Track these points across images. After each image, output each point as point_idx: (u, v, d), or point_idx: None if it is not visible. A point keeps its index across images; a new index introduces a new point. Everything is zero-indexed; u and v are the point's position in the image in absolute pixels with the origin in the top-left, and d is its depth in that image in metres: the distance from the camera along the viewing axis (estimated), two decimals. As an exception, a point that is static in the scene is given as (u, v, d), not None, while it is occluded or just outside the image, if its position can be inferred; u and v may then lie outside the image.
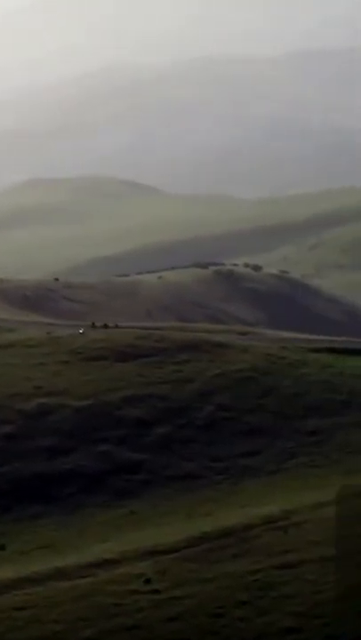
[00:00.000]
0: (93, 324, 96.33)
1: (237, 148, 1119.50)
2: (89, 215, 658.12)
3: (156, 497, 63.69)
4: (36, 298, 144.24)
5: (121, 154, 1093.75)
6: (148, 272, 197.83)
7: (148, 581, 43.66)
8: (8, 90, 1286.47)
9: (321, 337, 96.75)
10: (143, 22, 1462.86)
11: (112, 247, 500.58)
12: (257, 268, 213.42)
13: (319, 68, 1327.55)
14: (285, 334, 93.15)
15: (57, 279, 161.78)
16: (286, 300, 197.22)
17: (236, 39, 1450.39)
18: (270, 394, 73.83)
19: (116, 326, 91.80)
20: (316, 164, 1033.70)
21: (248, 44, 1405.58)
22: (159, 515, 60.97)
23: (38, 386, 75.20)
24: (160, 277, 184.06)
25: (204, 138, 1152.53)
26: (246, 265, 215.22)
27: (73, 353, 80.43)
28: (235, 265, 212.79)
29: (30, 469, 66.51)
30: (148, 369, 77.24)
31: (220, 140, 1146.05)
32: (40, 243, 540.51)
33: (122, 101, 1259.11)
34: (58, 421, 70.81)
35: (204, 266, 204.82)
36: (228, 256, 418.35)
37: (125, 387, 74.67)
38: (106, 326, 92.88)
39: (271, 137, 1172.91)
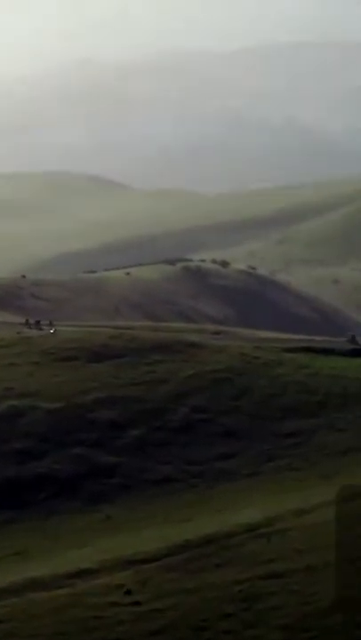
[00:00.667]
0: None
1: (197, 144, 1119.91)
2: (54, 210, 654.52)
3: (132, 501, 62.41)
4: (3, 295, 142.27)
5: (81, 149, 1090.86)
6: (116, 268, 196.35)
7: (128, 592, 42.30)
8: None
9: (295, 336, 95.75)
10: (102, 18, 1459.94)
11: (78, 243, 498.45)
12: (225, 264, 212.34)
13: (277, 62, 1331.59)
14: (260, 333, 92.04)
15: (24, 276, 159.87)
16: (255, 297, 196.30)
17: (194, 34, 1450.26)
18: (246, 395, 72.73)
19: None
20: (276, 160, 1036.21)
21: (206, 38, 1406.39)
22: (136, 520, 59.69)
23: (9, 387, 73.66)
24: (128, 274, 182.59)
25: (163, 133, 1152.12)
26: (214, 261, 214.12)
27: (45, 353, 78.93)
28: (202, 261, 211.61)
29: (2, 474, 65.04)
30: (121, 370, 75.92)
31: (179, 135, 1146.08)
32: (4, 238, 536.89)
33: (82, 97, 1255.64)
34: (30, 424, 69.35)
35: (172, 262, 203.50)
36: (195, 251, 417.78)
37: (98, 388, 73.29)
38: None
39: (230, 132, 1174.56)
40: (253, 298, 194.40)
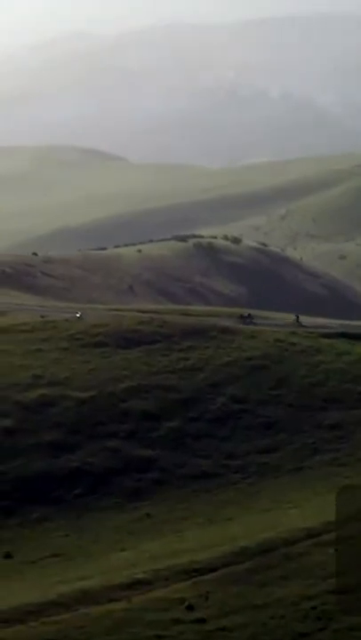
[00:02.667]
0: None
1: (190, 117, 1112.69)
2: (51, 184, 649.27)
3: (170, 498, 59.41)
4: (14, 273, 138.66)
5: (73, 122, 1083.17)
6: (126, 245, 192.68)
7: (190, 608, 39.23)
8: None
9: (328, 320, 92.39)
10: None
11: (76, 217, 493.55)
12: (236, 240, 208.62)
13: (271, 35, 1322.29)
14: (290, 318, 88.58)
15: (35, 254, 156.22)
16: (267, 274, 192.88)
17: (190, 7, 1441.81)
18: (285, 384, 69.67)
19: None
20: (271, 133, 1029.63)
21: (201, 11, 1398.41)
22: (176, 519, 56.73)
23: (38, 375, 70.50)
24: (139, 251, 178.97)
25: (157, 105, 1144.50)
26: (225, 237, 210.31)
27: (72, 339, 75.72)
28: (214, 237, 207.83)
29: (33, 467, 61.92)
30: (152, 357, 72.77)
31: (172, 108, 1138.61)
32: (6, 212, 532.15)
33: (75, 70, 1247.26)
34: (60, 414, 66.26)
35: (184, 239, 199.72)
36: (199, 226, 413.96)
37: (130, 376, 70.18)
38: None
39: (223, 105, 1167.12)
40: (265, 275, 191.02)
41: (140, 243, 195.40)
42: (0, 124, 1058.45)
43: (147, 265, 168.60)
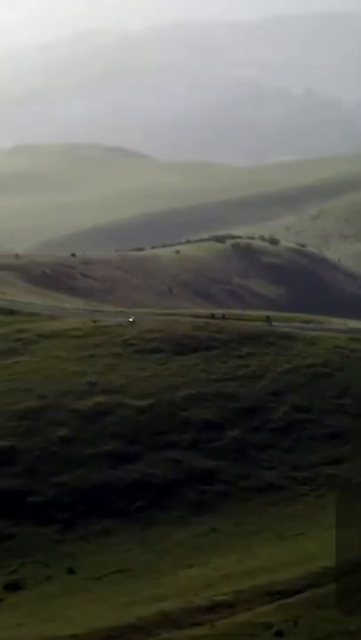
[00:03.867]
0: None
1: (213, 114, 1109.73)
2: (75, 182, 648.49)
3: (236, 512, 57.39)
4: (53, 275, 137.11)
5: (93, 120, 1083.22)
6: (163, 246, 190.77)
7: (279, 634, 37.12)
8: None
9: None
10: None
11: (103, 216, 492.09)
12: (274, 241, 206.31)
13: (294, 32, 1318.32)
14: (349, 322, 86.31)
15: (74, 254, 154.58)
16: (305, 275, 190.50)
17: (208, 5, 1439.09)
18: (348, 393, 67.46)
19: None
20: (295, 131, 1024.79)
21: (219, 9, 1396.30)
22: (244, 534, 54.69)
23: (92, 382, 68.68)
24: (177, 252, 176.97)
25: (177, 104, 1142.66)
26: (262, 238, 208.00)
27: (126, 344, 73.84)
28: (251, 238, 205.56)
29: (92, 479, 60.06)
30: (210, 363, 70.76)
31: (193, 106, 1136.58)
32: (29, 211, 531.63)
33: (94, 68, 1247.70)
34: (118, 423, 64.37)
35: (221, 239, 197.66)
36: (229, 226, 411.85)
37: (188, 384, 68.21)
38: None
39: (245, 103, 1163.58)
40: (304, 276, 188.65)
41: (178, 243, 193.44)
42: (20, 121, 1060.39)
43: (185, 266, 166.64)
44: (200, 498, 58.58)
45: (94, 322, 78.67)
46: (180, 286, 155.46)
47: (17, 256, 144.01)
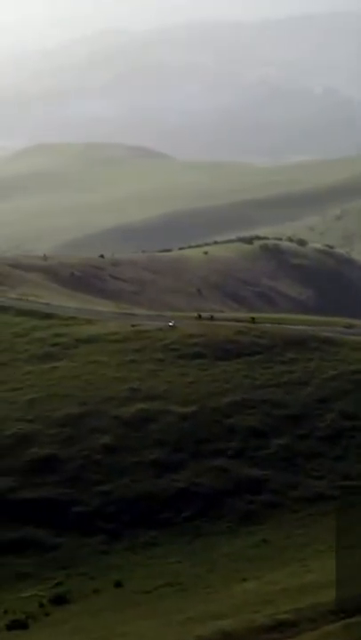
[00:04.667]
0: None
1: (231, 114, 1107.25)
2: (97, 182, 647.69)
3: (286, 523, 55.80)
4: (83, 276, 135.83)
5: (113, 119, 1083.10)
6: (191, 246, 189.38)
7: (349, 657, 35.52)
8: (3, 55, 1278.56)
9: None
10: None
11: (126, 216, 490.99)
12: (302, 242, 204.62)
13: (314, 31, 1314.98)
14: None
15: (102, 256, 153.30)
16: (334, 277, 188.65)
17: (230, 4, 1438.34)
18: (396, 399, 65.78)
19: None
20: (314, 131, 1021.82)
21: (234, 9, 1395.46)
22: (296, 546, 53.11)
23: (134, 388, 67.29)
24: (206, 253, 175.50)
25: (198, 103, 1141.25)
26: (290, 239, 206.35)
27: (167, 349, 72.41)
28: (279, 239, 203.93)
29: (137, 488, 58.66)
30: (254, 369, 69.22)
31: (211, 105, 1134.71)
32: (49, 211, 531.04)
33: (110, 68, 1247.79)
34: (162, 431, 62.92)
35: (249, 240, 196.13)
36: (254, 226, 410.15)
37: (232, 390, 66.70)
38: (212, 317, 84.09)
39: (267, 101, 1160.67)
40: (331, 277, 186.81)
41: (205, 244, 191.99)
42: (35, 122, 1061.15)
43: (214, 267, 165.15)
44: (248, 508, 57.07)
45: (133, 326, 77.22)
46: (209, 288, 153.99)
47: (45, 257, 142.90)
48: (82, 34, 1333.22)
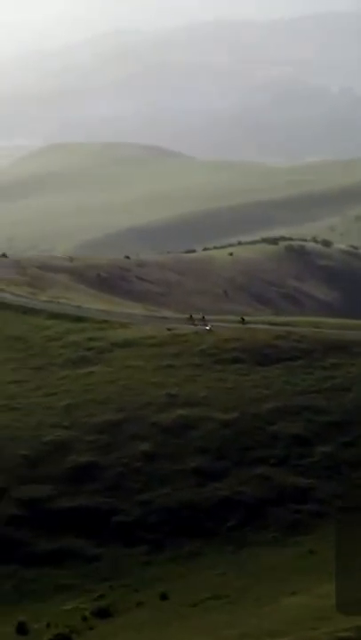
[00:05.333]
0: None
1: (245, 113, 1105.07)
2: (113, 181, 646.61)
3: (333, 533, 54.13)
4: (109, 278, 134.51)
5: (126, 118, 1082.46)
6: (215, 247, 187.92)
7: None
8: (15, 55, 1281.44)
9: None
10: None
11: (143, 216, 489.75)
12: (326, 243, 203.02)
13: (329, 30, 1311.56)
14: None
15: (128, 257, 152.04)
16: (358, 278, 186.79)
17: (244, 2, 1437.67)
18: None
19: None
20: (331, 131, 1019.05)
21: (246, 8, 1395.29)
22: (344, 558, 51.54)
23: (172, 394, 65.89)
24: (231, 254, 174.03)
25: (212, 102, 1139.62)
26: (316, 240, 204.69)
27: (204, 354, 70.98)
28: (303, 240, 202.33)
29: (178, 497, 57.25)
30: (294, 375, 67.73)
31: (228, 104, 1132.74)
32: (66, 211, 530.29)
33: (124, 67, 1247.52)
34: (202, 438, 61.49)
35: (274, 241, 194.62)
36: (274, 226, 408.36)
37: (273, 396, 65.21)
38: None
39: (282, 101, 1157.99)
40: (358, 279, 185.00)
41: (229, 245, 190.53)
42: (49, 121, 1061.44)
43: (239, 268, 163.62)
44: (294, 518, 55.62)
45: (169, 330, 75.75)
46: (235, 289, 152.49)
47: (70, 258, 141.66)
48: (95, 33, 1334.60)
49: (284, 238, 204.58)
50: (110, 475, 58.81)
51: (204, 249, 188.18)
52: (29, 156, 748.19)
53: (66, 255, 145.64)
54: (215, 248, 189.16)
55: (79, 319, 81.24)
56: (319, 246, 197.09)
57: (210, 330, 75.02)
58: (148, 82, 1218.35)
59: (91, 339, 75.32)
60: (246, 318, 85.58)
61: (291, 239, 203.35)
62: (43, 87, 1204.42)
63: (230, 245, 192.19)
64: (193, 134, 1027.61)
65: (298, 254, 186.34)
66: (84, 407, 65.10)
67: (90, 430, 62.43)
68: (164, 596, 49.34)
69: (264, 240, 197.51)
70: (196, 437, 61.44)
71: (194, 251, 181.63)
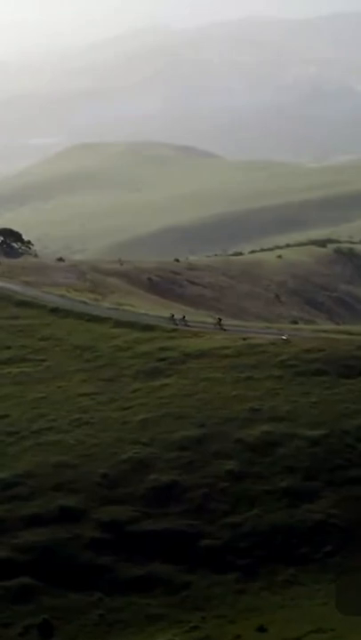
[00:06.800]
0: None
1: (273, 112, 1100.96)
2: (146, 181, 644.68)
3: None
4: (160, 282, 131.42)
5: (154, 118, 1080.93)
6: (262, 250, 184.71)
7: None
8: (40, 54, 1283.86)
9: None
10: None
11: (178, 216, 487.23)
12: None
13: (356, 29, 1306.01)
14: None
15: (177, 260, 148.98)
16: None
17: (271, 1, 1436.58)
18: None
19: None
20: (355, 128, 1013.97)
21: (283, 6, 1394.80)
22: None
23: (255, 408, 62.58)
24: (280, 257, 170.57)
25: (239, 101, 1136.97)
26: None
27: (284, 366, 67.58)
28: (352, 242, 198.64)
29: (269, 519, 53.97)
30: (382, 388, 64.18)
31: (255, 103, 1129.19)
32: (99, 210, 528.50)
33: (152, 65, 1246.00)
34: (291, 456, 58.11)
35: (322, 244, 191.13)
36: (308, 227, 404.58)
37: (361, 411, 61.75)
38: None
39: (308, 100, 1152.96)
40: None
41: (276, 247, 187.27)
42: (77, 120, 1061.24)
43: (290, 272, 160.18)
44: (394, 543, 52.18)
45: (244, 339, 72.36)
46: (287, 293, 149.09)
47: (121, 262, 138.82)
48: (123, 32, 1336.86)
49: (331, 240, 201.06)
50: (195, 495, 55.70)
51: (251, 251, 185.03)
52: (57, 155, 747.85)
53: (115, 258, 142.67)
54: (262, 250, 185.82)
55: (147, 327, 78.04)
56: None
57: (287, 340, 71.59)
58: (176, 81, 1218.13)
59: (162, 349, 72.15)
60: (318, 327, 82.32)
61: (338, 241, 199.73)
62: (67, 86, 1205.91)
63: (278, 247, 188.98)
64: (219, 133, 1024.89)
65: (348, 257, 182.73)
66: (161, 422, 62.01)
67: (170, 447, 59.31)
68: (262, 629, 46.28)
69: (311, 242, 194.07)
70: (283, 455, 58.18)
71: (241, 253, 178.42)
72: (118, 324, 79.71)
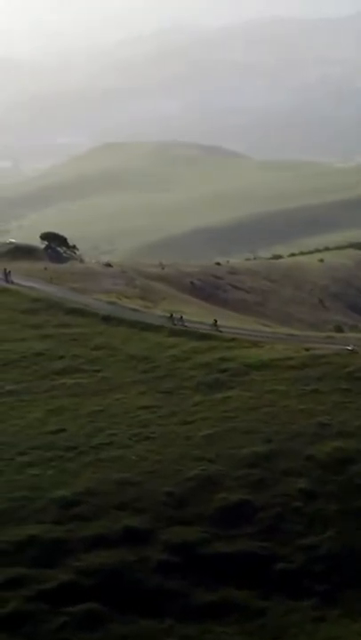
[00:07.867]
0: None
1: (295, 112, 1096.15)
2: (173, 181, 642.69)
3: None
4: (203, 286, 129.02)
5: (176, 118, 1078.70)
6: (302, 253, 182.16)
7: None
8: (64, 54, 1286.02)
9: None
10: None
11: (207, 217, 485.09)
12: None
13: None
14: None
15: (219, 263, 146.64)
16: None
17: (293, 1, 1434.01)
18: None
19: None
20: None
21: (305, 6, 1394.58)
22: None
23: (324, 423, 60.04)
24: (321, 260, 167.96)
25: (260, 101, 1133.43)
26: None
27: (352, 378, 65.03)
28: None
29: (346, 542, 51.45)
30: None
31: (277, 102, 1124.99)
32: (126, 210, 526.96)
33: (175, 65, 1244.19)
34: (364, 474, 55.51)
35: (360, 246, 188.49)
36: (339, 228, 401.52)
37: None
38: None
39: (329, 102, 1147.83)
40: None
41: (316, 250, 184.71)
42: (100, 120, 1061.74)
43: (332, 275, 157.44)
44: None
45: (306, 350, 69.87)
46: (330, 298, 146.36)
47: (162, 265, 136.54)
48: (147, 32, 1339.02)
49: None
50: (267, 515, 53.17)
51: (291, 254, 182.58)
52: (84, 155, 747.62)
53: (157, 262, 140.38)
54: (302, 254, 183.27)
55: (204, 337, 75.61)
56: None
57: (353, 350, 69.01)
58: (198, 81, 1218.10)
59: (222, 359, 69.72)
60: None
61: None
62: (93, 85, 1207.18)
63: (318, 251, 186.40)
64: (243, 133, 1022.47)
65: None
66: (227, 437, 59.53)
67: (237, 464, 56.82)
68: (346, 661, 43.60)
69: (351, 245, 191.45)
70: (356, 473, 55.65)
71: (280, 256, 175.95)
72: (173, 332, 77.37)
